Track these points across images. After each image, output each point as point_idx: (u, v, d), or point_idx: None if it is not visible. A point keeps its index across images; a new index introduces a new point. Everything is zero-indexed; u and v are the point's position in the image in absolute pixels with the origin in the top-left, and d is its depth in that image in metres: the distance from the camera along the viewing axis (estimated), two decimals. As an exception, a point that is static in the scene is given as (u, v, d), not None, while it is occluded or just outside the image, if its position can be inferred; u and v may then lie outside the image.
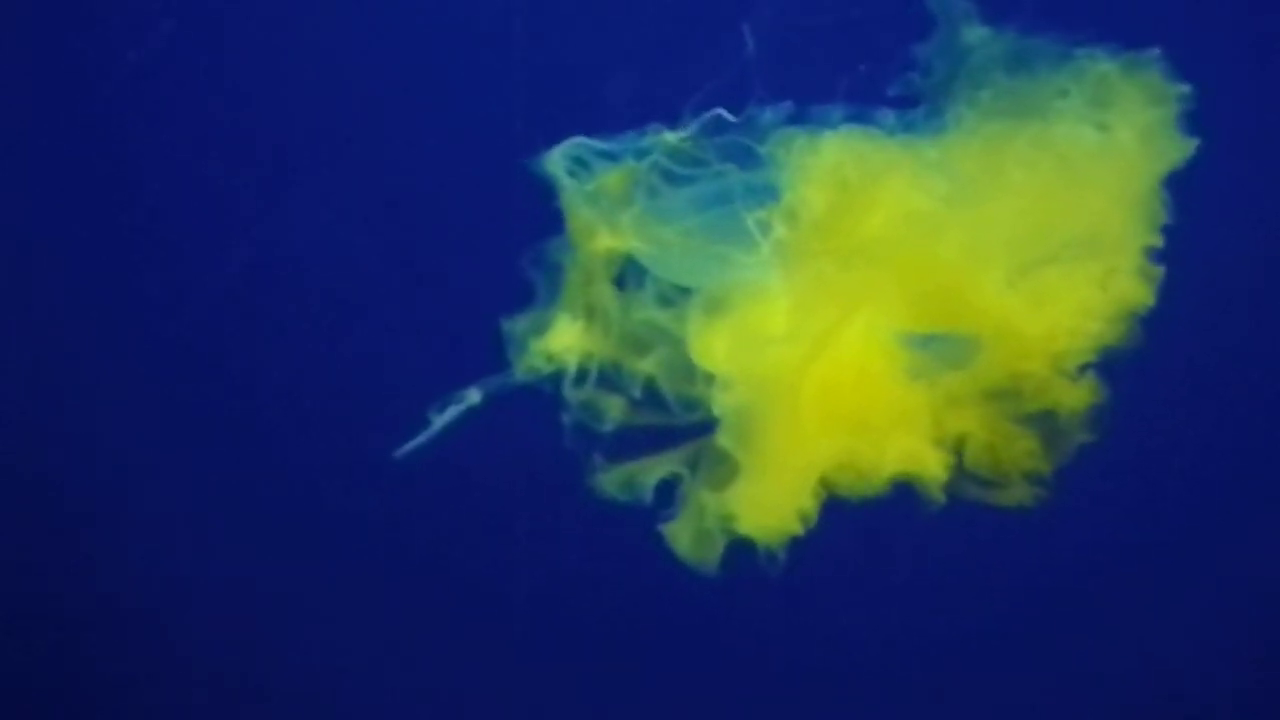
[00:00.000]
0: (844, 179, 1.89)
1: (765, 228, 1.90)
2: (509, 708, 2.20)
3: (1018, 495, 1.94)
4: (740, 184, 1.94)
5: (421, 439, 1.96)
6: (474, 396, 1.97)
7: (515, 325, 1.96)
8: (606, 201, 1.94)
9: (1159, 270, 1.93)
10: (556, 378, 1.96)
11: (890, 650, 2.17)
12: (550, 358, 1.95)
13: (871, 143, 1.93)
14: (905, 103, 1.98)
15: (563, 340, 1.94)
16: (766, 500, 1.89)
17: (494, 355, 1.97)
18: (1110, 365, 1.94)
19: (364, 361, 2.15)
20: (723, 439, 1.90)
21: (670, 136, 1.95)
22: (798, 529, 1.90)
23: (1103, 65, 1.95)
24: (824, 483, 1.90)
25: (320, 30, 2.15)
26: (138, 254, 2.18)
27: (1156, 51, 1.94)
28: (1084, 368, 1.93)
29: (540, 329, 1.95)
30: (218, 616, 2.22)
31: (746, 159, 1.95)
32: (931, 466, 1.90)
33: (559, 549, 2.13)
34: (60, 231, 2.19)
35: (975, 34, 1.98)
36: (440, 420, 1.96)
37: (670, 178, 1.95)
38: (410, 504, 2.14)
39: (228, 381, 2.18)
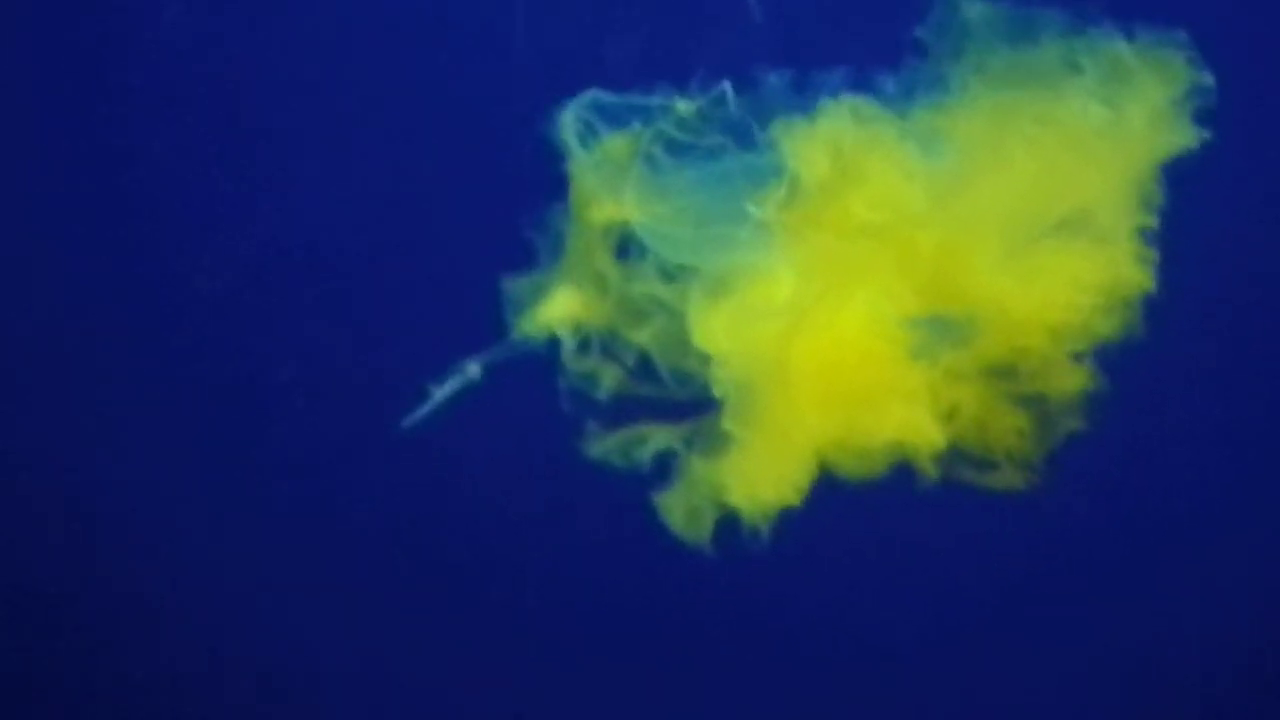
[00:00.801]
0: (839, 158, 1.90)
1: (763, 207, 1.90)
2: (506, 678, 2.21)
3: (1008, 479, 1.95)
4: (740, 164, 1.94)
5: (426, 409, 1.97)
6: (474, 370, 1.97)
7: (515, 287, 1.96)
8: (611, 169, 1.94)
9: (1154, 254, 1.94)
10: (555, 343, 1.96)
11: (884, 632, 2.18)
12: (548, 323, 1.95)
13: (868, 122, 1.92)
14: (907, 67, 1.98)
15: (562, 306, 1.94)
16: (760, 474, 1.91)
17: (497, 321, 1.97)
18: (1109, 357, 1.95)
19: (369, 332, 2.15)
20: (720, 414, 1.91)
21: (681, 105, 1.94)
22: (791, 502, 1.91)
23: (1119, 45, 1.95)
24: (820, 457, 1.91)
25: None
26: (141, 227, 2.18)
27: (1182, 35, 1.94)
28: (1082, 356, 1.94)
29: (540, 293, 1.95)
30: (227, 595, 2.22)
31: (748, 136, 1.94)
32: (928, 435, 1.90)
33: (555, 520, 2.14)
34: (65, 218, 2.19)
35: (974, 9, 1.97)
36: (441, 391, 1.96)
37: (673, 149, 1.94)
38: (412, 472, 2.15)
39: (233, 359, 2.18)
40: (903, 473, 1.93)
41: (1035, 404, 1.94)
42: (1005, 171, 1.93)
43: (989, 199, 1.93)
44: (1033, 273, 1.92)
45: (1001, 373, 1.93)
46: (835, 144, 1.90)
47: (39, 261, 2.19)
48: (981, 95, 1.96)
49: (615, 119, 1.95)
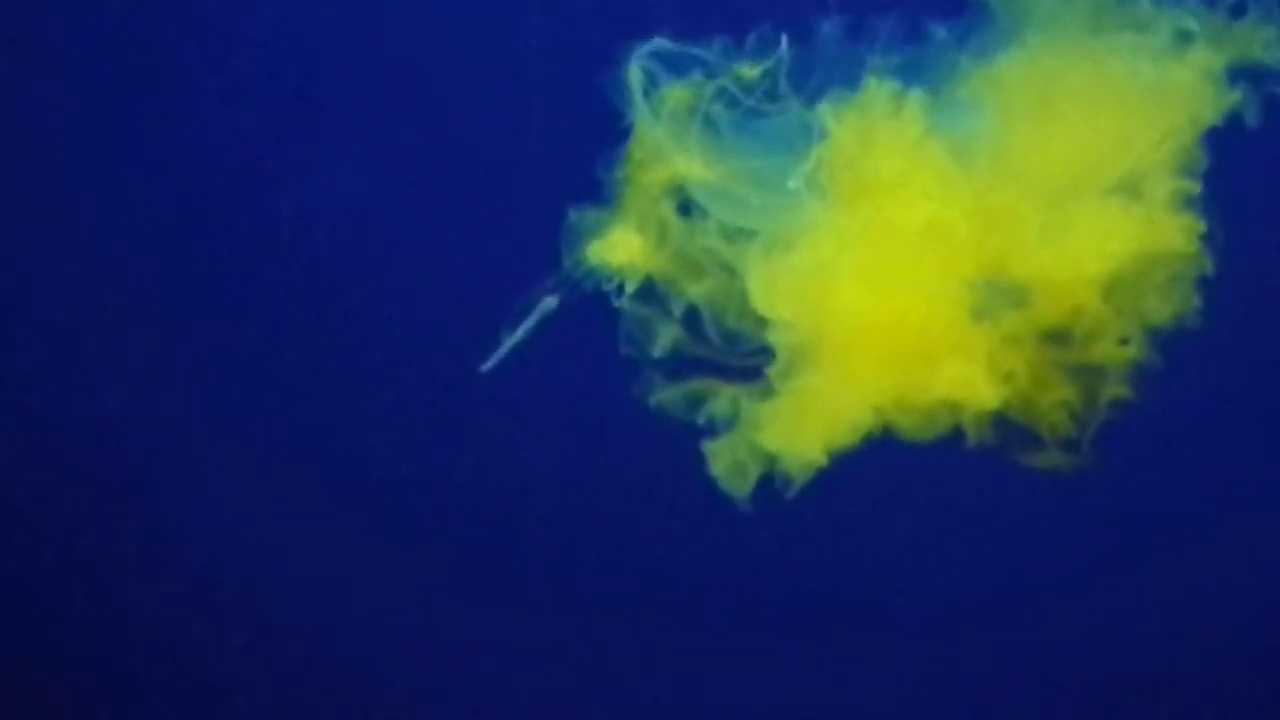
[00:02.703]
0: (878, 158, 1.90)
1: (802, 181, 1.91)
2: (548, 631, 2.24)
3: (1054, 459, 1.96)
4: (799, 123, 1.93)
5: (505, 349, 1.96)
6: (551, 302, 1.96)
7: (582, 219, 1.95)
8: (673, 121, 1.93)
9: (1199, 224, 1.93)
10: (614, 288, 1.96)
11: (923, 596, 2.21)
12: (608, 259, 1.94)
13: (906, 109, 1.91)
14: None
15: (622, 247, 1.94)
16: (810, 430, 1.92)
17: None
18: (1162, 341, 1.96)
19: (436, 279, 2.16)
20: (775, 374, 1.92)
21: (742, 68, 1.92)
22: (841, 452, 1.92)
23: (1186, 10, 1.94)
24: (875, 415, 1.92)
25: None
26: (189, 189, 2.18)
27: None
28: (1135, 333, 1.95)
29: (601, 232, 1.95)
30: (273, 557, 2.25)
31: (804, 95, 1.93)
32: (981, 395, 1.90)
33: (606, 466, 2.16)
34: (100, 193, 2.20)
35: None
36: (521, 328, 1.96)
37: (733, 106, 1.94)
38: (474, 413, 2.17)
39: (304, 308, 2.19)
40: (949, 440, 1.94)
41: (1084, 375, 1.95)
42: (1053, 131, 1.93)
43: (1037, 160, 1.93)
44: (1080, 231, 1.92)
45: (1055, 338, 1.94)
46: (873, 141, 1.90)
47: (71, 256, 2.21)
48: (1032, 50, 1.95)
49: (677, 69, 1.94)
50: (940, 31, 1.96)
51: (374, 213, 2.18)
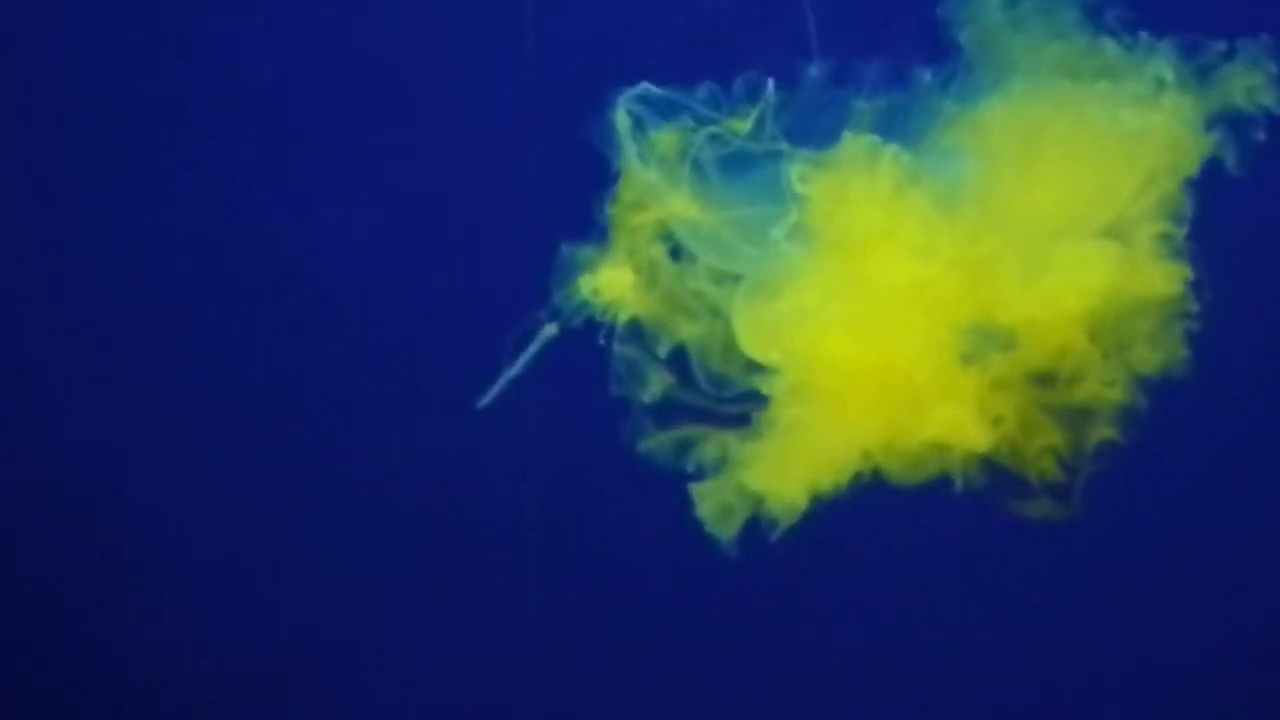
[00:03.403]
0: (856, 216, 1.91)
1: (785, 232, 1.92)
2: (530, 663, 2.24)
3: (1043, 508, 1.97)
4: (782, 173, 1.94)
5: (502, 382, 1.97)
6: (552, 329, 1.97)
7: (574, 254, 1.96)
8: (661, 166, 1.94)
9: (1186, 271, 1.94)
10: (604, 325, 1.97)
11: (908, 641, 2.22)
12: (597, 299, 1.95)
13: (883, 163, 1.91)
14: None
15: (612, 288, 1.94)
16: (797, 472, 1.92)
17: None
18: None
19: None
20: (762, 416, 1.93)
21: (733, 121, 1.94)
22: (825, 495, 1.93)
23: (1153, 49, 1.95)
24: (863, 458, 1.93)
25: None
26: (165, 235, 2.20)
27: (1221, 45, 1.94)
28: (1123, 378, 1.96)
29: (593, 268, 1.96)
30: (242, 589, 2.25)
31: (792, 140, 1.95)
32: (972, 436, 1.90)
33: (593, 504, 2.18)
34: (78, 225, 2.21)
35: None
36: (521, 359, 1.96)
37: (721, 151, 1.95)
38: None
39: (293, 344, 2.20)
40: (937, 486, 1.95)
41: (1072, 418, 1.95)
42: (1036, 177, 1.94)
43: (1021, 206, 1.94)
44: (1061, 270, 1.92)
45: (1043, 380, 1.95)
46: (847, 198, 1.91)
47: (45, 265, 2.21)
48: (1015, 96, 1.96)
49: (665, 113, 1.95)
50: (925, 76, 1.97)
51: (369, 248, 2.20)
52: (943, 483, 1.94)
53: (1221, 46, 1.94)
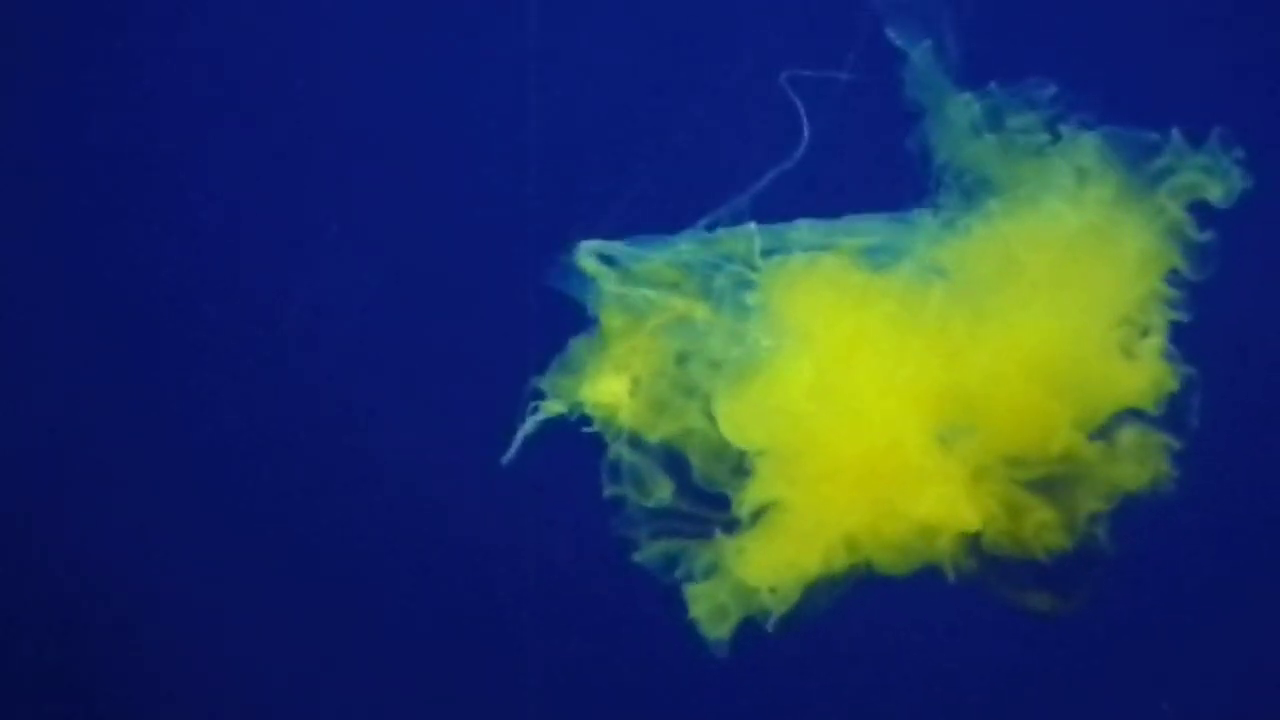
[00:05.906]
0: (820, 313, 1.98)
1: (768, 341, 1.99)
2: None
3: (1041, 603, 1.99)
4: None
5: (519, 439, 2.01)
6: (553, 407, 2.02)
7: (578, 350, 2.02)
8: (635, 296, 2.03)
9: (1183, 369, 1.98)
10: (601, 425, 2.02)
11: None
12: (595, 404, 2.01)
13: (846, 278, 1.99)
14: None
15: (608, 393, 2.00)
16: (785, 561, 1.96)
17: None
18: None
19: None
20: (746, 503, 1.98)
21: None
22: (816, 583, 1.96)
23: (1086, 144, 2.00)
24: (849, 545, 1.96)
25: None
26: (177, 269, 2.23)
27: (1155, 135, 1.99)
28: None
29: (592, 369, 2.02)
30: (233, 636, 2.25)
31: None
32: (963, 514, 1.93)
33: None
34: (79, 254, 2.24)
35: (958, 104, 2.02)
36: (533, 419, 2.01)
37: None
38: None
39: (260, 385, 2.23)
40: (931, 579, 1.97)
41: (1061, 494, 1.98)
42: (1016, 296, 1.99)
43: (1007, 328, 1.98)
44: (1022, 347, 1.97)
45: (1023, 462, 1.98)
46: (815, 309, 1.98)
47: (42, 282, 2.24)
48: (991, 215, 2.01)
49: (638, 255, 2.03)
50: (916, 213, 2.03)
51: (377, 312, 2.22)
52: (935, 575, 1.95)
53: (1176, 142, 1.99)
